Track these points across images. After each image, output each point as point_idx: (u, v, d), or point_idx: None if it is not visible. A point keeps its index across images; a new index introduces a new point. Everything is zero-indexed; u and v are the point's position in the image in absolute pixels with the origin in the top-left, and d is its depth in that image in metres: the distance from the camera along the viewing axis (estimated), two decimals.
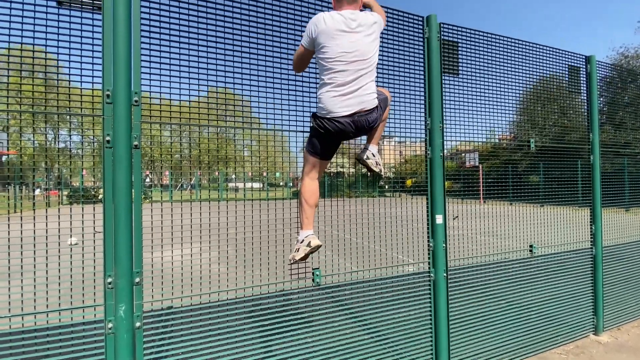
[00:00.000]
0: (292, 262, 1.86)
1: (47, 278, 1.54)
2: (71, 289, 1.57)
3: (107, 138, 1.56)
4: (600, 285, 3.18)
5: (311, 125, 1.87)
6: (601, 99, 3.73)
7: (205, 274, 1.84)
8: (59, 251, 1.59)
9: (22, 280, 1.50)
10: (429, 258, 2.33)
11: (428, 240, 2.33)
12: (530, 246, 2.83)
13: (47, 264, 1.54)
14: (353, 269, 2.66)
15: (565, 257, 3.09)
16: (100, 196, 1.63)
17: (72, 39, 1.57)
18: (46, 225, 1.54)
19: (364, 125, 1.80)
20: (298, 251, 1.82)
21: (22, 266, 1.53)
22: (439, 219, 2.27)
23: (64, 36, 1.56)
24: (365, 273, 2.29)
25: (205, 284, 1.83)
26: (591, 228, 3.22)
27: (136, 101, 1.62)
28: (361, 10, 1.88)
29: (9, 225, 1.55)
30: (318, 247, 1.81)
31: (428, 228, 2.33)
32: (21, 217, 1.55)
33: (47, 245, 1.55)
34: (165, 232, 1.82)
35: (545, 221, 3.06)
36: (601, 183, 3.28)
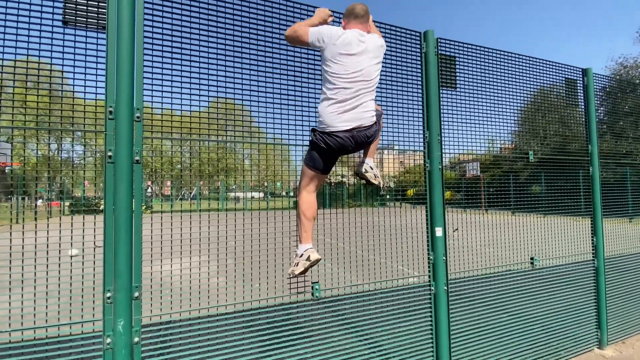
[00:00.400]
0: (291, 276, 1.86)
1: (47, 292, 1.54)
2: (70, 303, 1.57)
3: (109, 153, 1.59)
4: (603, 297, 3.14)
5: (311, 139, 1.89)
6: (601, 109, 3.75)
7: (204, 286, 1.84)
8: (59, 265, 1.60)
9: (22, 293, 1.50)
10: (429, 271, 2.32)
11: (428, 253, 2.32)
12: (532, 259, 2.81)
13: (47, 278, 1.55)
14: (353, 280, 2.64)
15: (567, 269, 3.07)
16: (101, 207, 1.64)
17: (76, 56, 1.61)
18: (47, 236, 1.55)
19: (363, 140, 1.83)
20: (297, 265, 1.82)
21: (22, 280, 1.53)
22: (438, 232, 2.27)
23: (68, 53, 1.60)
24: (365, 285, 2.28)
25: (204, 297, 1.83)
26: (592, 240, 3.21)
27: (138, 117, 1.65)
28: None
29: (10, 235, 1.56)
30: (317, 260, 1.81)
31: (428, 240, 2.33)
32: (23, 227, 1.57)
33: (47, 258, 1.56)
34: (165, 243, 1.83)
35: (547, 232, 3.04)
36: (602, 194, 3.27)
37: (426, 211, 2.34)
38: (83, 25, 1.60)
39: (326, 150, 1.83)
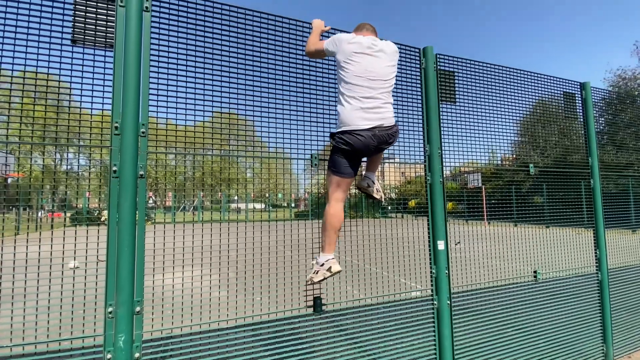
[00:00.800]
0: (309, 283, 1.85)
1: (48, 306, 1.54)
2: (72, 318, 1.57)
3: (114, 168, 1.61)
4: (608, 311, 3.10)
5: (331, 144, 1.89)
6: (601, 120, 3.78)
7: (206, 300, 1.83)
8: (62, 280, 1.60)
9: (24, 307, 1.50)
10: (432, 285, 2.30)
11: (430, 267, 2.31)
12: (535, 272, 2.79)
13: (49, 292, 1.55)
14: (355, 292, 2.62)
15: (571, 281, 3.04)
16: (103, 218, 1.65)
17: (84, 72, 1.65)
18: (51, 249, 1.56)
19: (385, 139, 1.84)
20: (317, 274, 1.80)
21: (25, 293, 1.53)
22: (440, 245, 2.26)
23: (77, 71, 1.64)
24: (368, 298, 2.26)
25: (206, 311, 1.82)
26: (596, 253, 3.18)
27: (143, 132, 1.68)
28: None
29: (15, 247, 1.57)
30: (338, 272, 1.80)
31: (430, 254, 2.32)
32: (27, 239, 1.58)
33: (50, 273, 1.56)
34: (166, 254, 1.83)
35: (550, 243, 3.03)
36: (604, 205, 3.27)
37: (428, 224, 2.34)
38: (91, 44, 1.65)
39: (349, 151, 1.81)
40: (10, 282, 1.54)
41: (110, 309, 1.56)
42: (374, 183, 2.02)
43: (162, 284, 1.84)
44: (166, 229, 1.89)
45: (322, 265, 1.81)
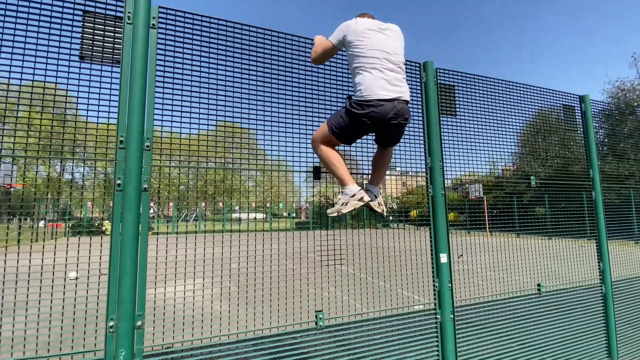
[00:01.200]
0: (336, 215, 1.82)
1: (50, 319, 1.53)
2: (73, 332, 1.56)
3: (118, 182, 1.62)
4: (612, 325, 3.06)
5: (345, 106, 1.85)
6: (601, 131, 3.80)
7: (207, 312, 1.82)
8: (64, 292, 1.59)
9: (26, 317, 1.50)
10: (435, 298, 2.28)
11: (433, 280, 2.30)
12: (538, 285, 2.77)
13: (51, 306, 1.54)
14: (357, 305, 2.60)
15: (575, 294, 3.01)
16: (104, 228, 1.66)
17: (91, 86, 1.68)
18: (54, 259, 1.56)
19: (402, 113, 1.79)
20: (346, 205, 1.78)
21: (26, 307, 1.53)
22: (443, 258, 2.25)
23: (83, 86, 1.67)
24: (370, 312, 2.23)
25: (207, 324, 1.80)
26: (599, 265, 3.16)
27: (148, 146, 1.70)
28: None
29: (18, 259, 1.57)
30: (368, 202, 1.80)
31: (432, 267, 2.31)
32: (30, 251, 1.58)
33: (52, 284, 1.56)
34: (166, 266, 1.82)
35: (553, 255, 3.01)
36: (607, 216, 3.25)
37: (430, 237, 2.33)
38: (98, 60, 1.68)
39: (360, 117, 1.76)
40: (11, 293, 1.54)
41: (111, 323, 1.55)
42: (377, 197, 2.02)
43: (164, 297, 1.82)
44: (166, 239, 1.89)
45: (353, 195, 1.78)
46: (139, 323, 1.60)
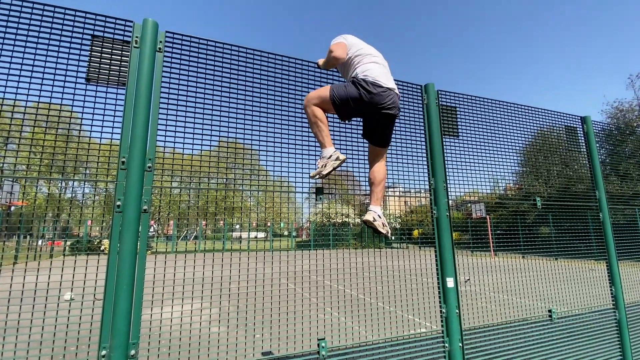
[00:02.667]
0: (317, 177, 1.90)
1: (41, 341, 1.47)
2: (64, 355, 1.49)
3: (118, 203, 1.60)
4: (628, 352, 2.92)
5: (354, 80, 1.96)
6: (602, 150, 3.79)
7: (205, 336, 1.74)
8: (57, 312, 1.53)
9: (16, 337, 1.43)
10: (442, 325, 2.18)
11: (440, 306, 2.21)
12: (549, 311, 2.66)
13: (42, 326, 1.48)
14: (361, 331, 2.50)
15: (587, 320, 2.89)
16: (103, 247, 1.62)
17: (96, 105, 1.69)
18: (48, 278, 1.51)
19: (396, 104, 1.99)
20: (325, 167, 1.87)
21: (18, 327, 1.46)
22: (449, 283, 2.17)
23: (88, 108, 1.68)
24: (373, 337, 2.14)
25: (204, 348, 1.72)
26: (611, 290, 3.06)
27: (149, 167, 1.68)
28: None
29: (12, 276, 1.53)
30: (344, 160, 1.89)
31: (439, 292, 2.23)
32: (26, 268, 1.53)
33: (45, 304, 1.50)
34: (164, 287, 1.76)
35: (561, 277, 2.92)
36: (615, 237, 3.18)
37: (436, 261, 2.26)
38: (104, 82, 1.70)
39: (360, 95, 1.90)
40: (3, 312, 1.48)
41: (103, 352, 1.48)
42: (380, 217, 1.99)
43: (160, 319, 1.75)
44: (165, 259, 1.84)
45: (330, 157, 1.89)
46: (132, 352, 1.52)
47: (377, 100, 1.92)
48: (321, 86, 2.19)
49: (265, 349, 1.88)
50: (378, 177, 2.10)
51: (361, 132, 2.25)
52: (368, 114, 2.03)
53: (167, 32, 1.84)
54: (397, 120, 2.42)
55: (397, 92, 2.04)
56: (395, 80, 2.41)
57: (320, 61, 2.23)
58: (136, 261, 1.59)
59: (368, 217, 1.98)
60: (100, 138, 1.68)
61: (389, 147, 2.27)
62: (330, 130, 2.20)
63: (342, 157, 1.89)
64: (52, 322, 1.50)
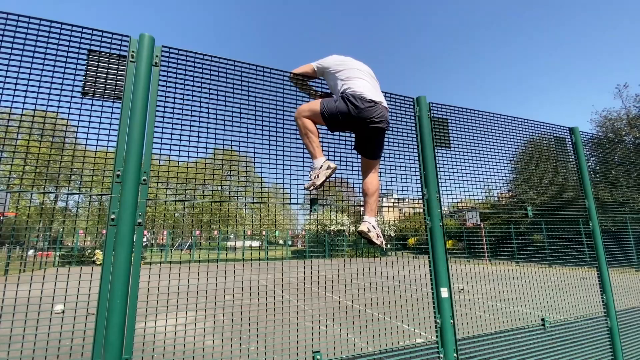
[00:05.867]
0: (312, 189, 1.93)
1: (32, 357, 1.44)
2: None
3: (112, 216, 1.59)
4: (620, 359, 2.94)
5: (342, 96, 2.01)
6: (592, 159, 3.87)
7: (199, 348, 1.72)
8: (50, 325, 1.51)
9: (8, 353, 1.41)
10: (437, 336, 2.19)
11: (435, 317, 2.22)
12: (542, 319, 2.68)
13: (35, 340, 1.45)
14: (356, 341, 2.49)
15: (580, 326, 2.92)
16: (95, 257, 1.61)
17: (91, 118, 1.70)
18: (41, 291, 1.49)
19: (385, 118, 2.04)
20: (318, 177, 1.90)
21: (9, 342, 1.44)
22: (444, 293, 2.19)
23: (84, 121, 1.69)
24: (368, 348, 2.14)
25: None
26: (602, 297, 3.10)
27: (144, 180, 1.69)
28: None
29: (4, 290, 1.50)
30: (335, 168, 1.94)
31: (433, 302, 2.24)
32: (18, 282, 1.51)
33: (38, 317, 1.48)
34: (157, 298, 1.74)
35: (554, 284, 2.95)
36: (605, 244, 3.23)
37: (430, 271, 2.28)
38: (100, 96, 1.71)
39: (349, 110, 1.95)
40: None
41: None
42: (375, 228, 2.01)
43: (154, 331, 1.74)
44: (159, 269, 1.83)
45: (321, 167, 1.94)
46: None
47: (365, 115, 1.96)
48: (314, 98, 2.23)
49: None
50: (372, 188, 2.13)
51: (353, 140, 2.29)
52: (357, 128, 2.07)
53: (163, 46, 1.87)
54: (390, 132, 2.46)
55: (386, 106, 2.09)
56: (387, 93, 2.47)
57: (297, 72, 2.23)
58: (130, 274, 1.58)
59: (363, 227, 2.01)
60: (96, 152, 1.68)
61: (382, 159, 2.31)
62: (321, 140, 2.23)
63: (332, 165, 1.93)
64: (44, 337, 1.49)
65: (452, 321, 2.18)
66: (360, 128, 2.06)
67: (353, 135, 2.32)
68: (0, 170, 1.76)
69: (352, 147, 2.35)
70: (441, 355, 2.15)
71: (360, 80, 2.05)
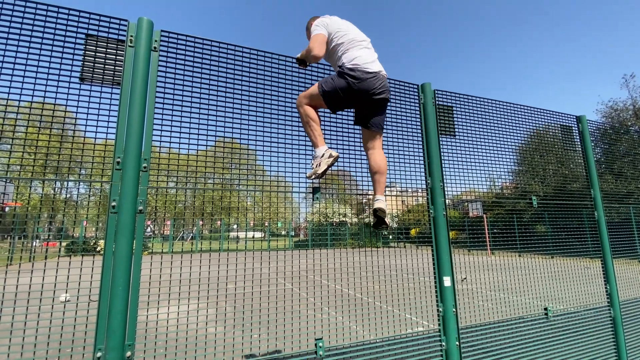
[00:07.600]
0: (313, 177, 1.91)
1: (35, 344, 1.45)
2: (59, 357, 1.48)
3: (113, 204, 1.58)
4: (623, 351, 2.95)
5: (340, 70, 1.96)
6: (597, 150, 3.81)
7: (202, 336, 1.73)
8: (52, 313, 1.52)
9: (10, 340, 1.42)
10: (439, 324, 2.19)
11: (437, 305, 2.21)
12: (545, 309, 2.68)
13: (37, 325, 1.46)
14: (357, 329, 2.50)
15: (583, 316, 2.91)
16: (98, 248, 1.60)
17: (90, 104, 1.67)
18: (42, 279, 1.49)
19: (387, 87, 2.00)
20: (320, 165, 1.88)
21: (11, 329, 1.45)
22: (446, 282, 2.18)
23: (82, 108, 1.66)
24: (370, 337, 2.14)
25: (201, 349, 1.71)
26: (606, 287, 3.08)
27: (145, 167, 1.67)
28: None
29: (5, 278, 1.51)
30: (337, 157, 1.91)
31: (436, 291, 2.23)
32: (19, 269, 1.51)
33: (39, 306, 1.48)
34: (161, 286, 1.75)
35: (557, 274, 2.94)
36: (610, 235, 3.20)
37: (433, 260, 2.27)
38: (99, 82, 1.68)
39: (350, 84, 1.90)
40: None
41: (99, 354, 1.47)
42: (385, 208, 1.99)
43: (157, 319, 1.74)
44: (162, 259, 1.82)
45: (323, 155, 1.90)
46: (128, 354, 1.51)
47: (366, 87, 1.92)
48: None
49: (263, 349, 1.88)
50: (382, 165, 2.08)
51: (356, 131, 2.24)
52: (360, 102, 2.02)
53: (162, 31, 1.83)
54: (393, 120, 2.42)
55: (385, 74, 2.04)
56: (391, 79, 2.42)
57: (300, 55, 2.15)
58: (132, 262, 1.57)
59: (381, 205, 1.96)
60: (95, 138, 1.66)
61: (385, 151, 2.27)
62: (323, 129, 2.20)
63: (334, 154, 1.90)
64: (46, 323, 1.49)
65: (454, 310, 2.17)
66: (363, 102, 2.01)
67: (357, 128, 2.27)
68: (2, 162, 1.74)
69: (355, 134, 2.31)
70: (443, 343, 2.15)
71: (357, 49, 2.00)
